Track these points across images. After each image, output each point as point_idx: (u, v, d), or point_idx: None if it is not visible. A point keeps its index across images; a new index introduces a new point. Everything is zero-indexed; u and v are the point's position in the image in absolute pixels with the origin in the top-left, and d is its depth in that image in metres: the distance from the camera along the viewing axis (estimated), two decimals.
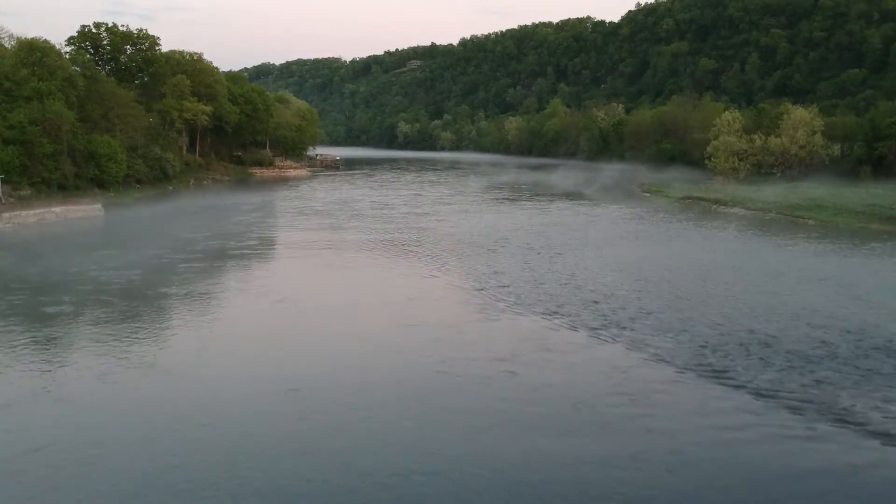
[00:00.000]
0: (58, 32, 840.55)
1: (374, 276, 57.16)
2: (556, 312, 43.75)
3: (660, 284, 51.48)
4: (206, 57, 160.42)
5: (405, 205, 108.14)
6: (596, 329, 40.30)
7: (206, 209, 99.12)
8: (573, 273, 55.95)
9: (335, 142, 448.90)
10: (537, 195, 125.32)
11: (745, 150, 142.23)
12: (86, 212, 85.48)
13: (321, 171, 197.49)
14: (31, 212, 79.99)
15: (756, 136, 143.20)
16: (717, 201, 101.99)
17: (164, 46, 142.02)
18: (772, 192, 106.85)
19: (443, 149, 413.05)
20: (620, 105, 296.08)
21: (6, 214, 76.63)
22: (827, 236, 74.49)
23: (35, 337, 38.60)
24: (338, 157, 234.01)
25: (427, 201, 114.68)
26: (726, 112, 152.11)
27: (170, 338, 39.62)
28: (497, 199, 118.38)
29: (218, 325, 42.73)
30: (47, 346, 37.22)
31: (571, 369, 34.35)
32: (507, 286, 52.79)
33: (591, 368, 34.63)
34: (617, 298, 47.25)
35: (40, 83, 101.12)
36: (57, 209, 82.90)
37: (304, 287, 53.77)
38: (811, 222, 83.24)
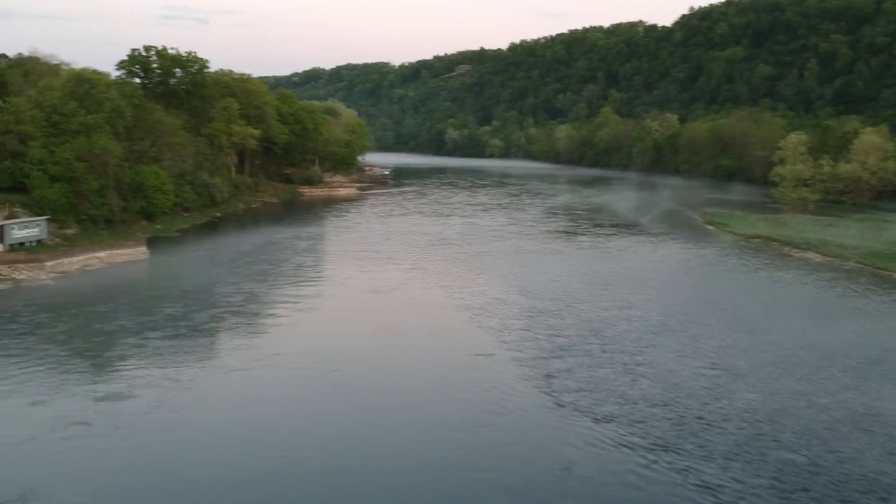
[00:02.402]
0: (116, 38, 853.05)
1: (432, 346, 53.31)
2: (644, 433, 38.88)
3: (794, 399, 43.51)
4: (258, 61, 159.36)
5: (460, 239, 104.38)
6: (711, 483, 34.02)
7: (249, 251, 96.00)
8: (653, 362, 50.80)
9: (383, 147, 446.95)
10: (595, 225, 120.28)
11: (813, 177, 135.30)
12: (130, 256, 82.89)
13: (370, 188, 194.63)
14: (75, 258, 77.53)
15: (824, 162, 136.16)
16: (789, 243, 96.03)
17: (217, 50, 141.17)
18: (846, 232, 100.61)
19: (491, 156, 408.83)
20: (675, 116, 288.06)
21: (49, 263, 74.15)
22: None
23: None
24: (386, 171, 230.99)
25: (482, 233, 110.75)
26: (792, 135, 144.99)
27: None
28: (554, 232, 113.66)
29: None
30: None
31: None
32: (570, 370, 48.77)
33: None
34: (735, 418, 40.62)
35: (88, 116, 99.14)
36: (101, 254, 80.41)
37: (365, 363, 50.11)
38: None
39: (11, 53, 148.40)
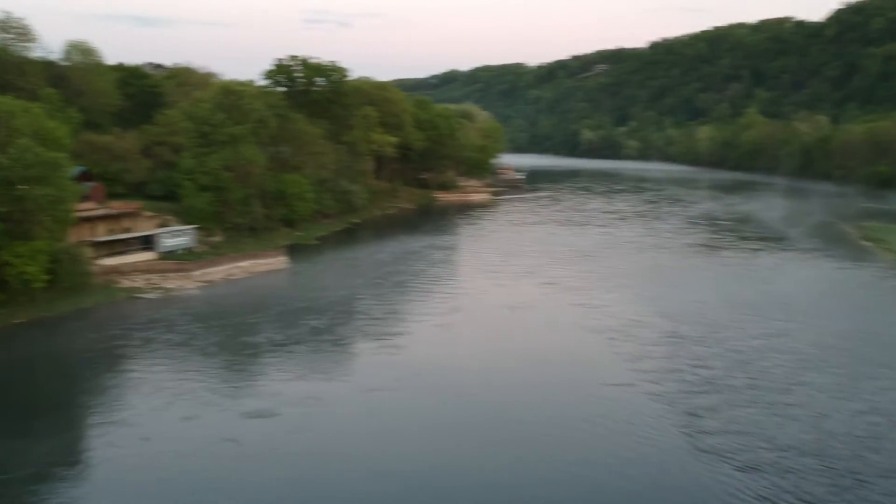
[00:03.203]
0: (265, 41, 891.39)
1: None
2: (793, 486, 35.95)
3: None
4: (397, 64, 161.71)
5: (596, 251, 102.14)
6: None
7: (387, 261, 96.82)
8: (805, 403, 47.25)
9: (518, 149, 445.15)
10: (740, 238, 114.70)
11: None
12: (271, 265, 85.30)
13: (504, 193, 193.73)
14: (219, 268, 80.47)
15: None
16: None
17: (358, 53, 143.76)
18: None
19: (627, 157, 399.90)
20: (826, 118, 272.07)
21: (196, 272, 77.25)
22: None
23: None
24: (520, 175, 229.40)
25: (619, 245, 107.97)
26: None
27: None
28: (695, 245, 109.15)
29: None
30: None
31: None
32: (713, 408, 46.06)
33: None
34: (894, 475, 37.22)
35: (235, 127, 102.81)
36: (243, 263, 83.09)
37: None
38: None
39: (170, 62, 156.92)
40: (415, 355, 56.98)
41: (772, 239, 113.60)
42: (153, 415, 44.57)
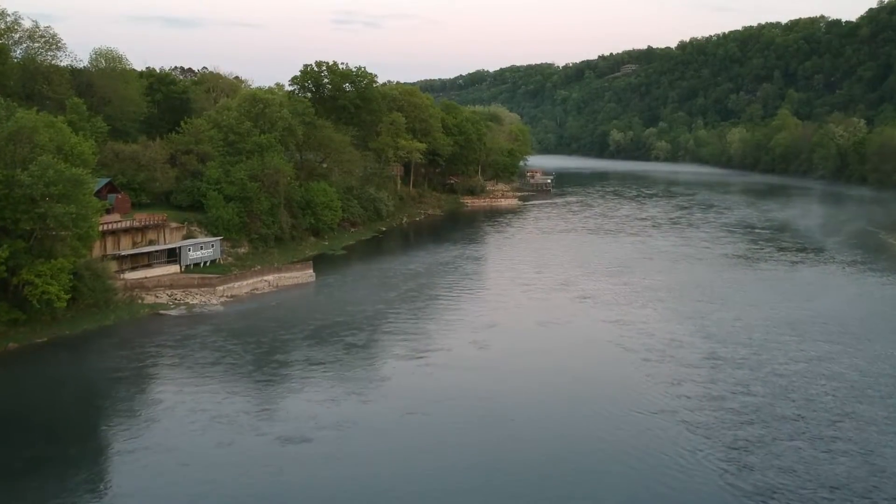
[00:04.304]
0: (294, 41, 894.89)
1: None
2: None
3: None
4: (425, 64, 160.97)
5: (629, 262, 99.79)
6: None
7: (418, 273, 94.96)
8: (855, 437, 44.69)
9: (545, 149, 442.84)
10: (778, 250, 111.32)
11: None
12: (297, 278, 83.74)
13: (532, 197, 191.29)
14: (245, 282, 79.03)
15: None
16: None
17: (386, 54, 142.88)
18: None
19: (656, 159, 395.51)
20: (862, 121, 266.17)
21: (220, 287, 75.80)
22: None
23: None
24: (549, 178, 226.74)
25: (652, 255, 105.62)
26: None
27: None
28: (731, 256, 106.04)
29: None
30: None
31: None
32: (757, 441, 43.59)
33: None
34: None
35: (262, 136, 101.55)
36: (269, 277, 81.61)
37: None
38: None
39: (198, 64, 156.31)
40: (451, 376, 55.49)
41: (811, 250, 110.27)
42: (189, 439, 43.91)
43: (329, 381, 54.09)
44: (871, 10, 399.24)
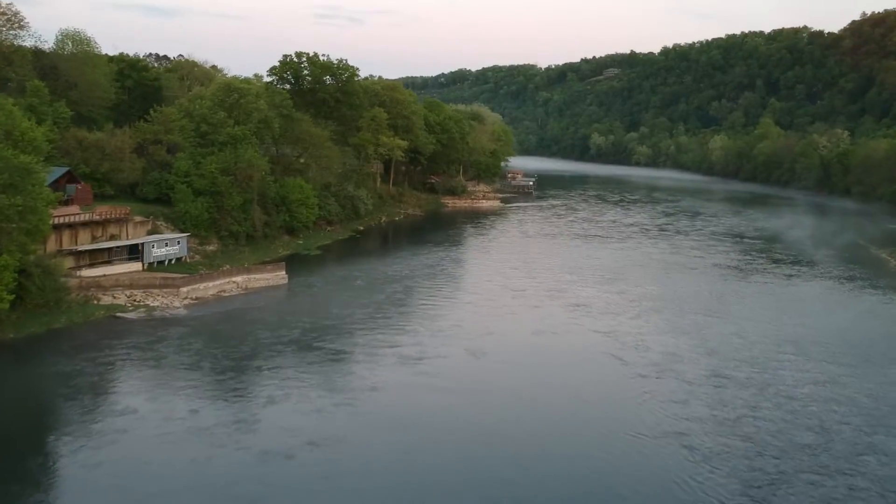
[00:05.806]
0: (275, 35, 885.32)
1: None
2: None
3: None
4: (407, 62, 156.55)
5: (620, 269, 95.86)
6: None
7: (402, 276, 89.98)
8: (876, 472, 40.88)
9: (526, 151, 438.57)
10: (771, 262, 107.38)
11: None
12: (269, 280, 78.35)
13: (514, 199, 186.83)
14: (211, 283, 73.52)
15: None
16: None
17: (369, 50, 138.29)
18: None
19: (637, 164, 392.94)
20: (846, 132, 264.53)
21: (184, 289, 70.24)
22: None
23: None
24: (530, 181, 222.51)
25: (643, 263, 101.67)
26: None
27: None
28: (724, 267, 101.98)
29: None
30: None
31: None
32: (778, 476, 39.50)
33: None
34: None
35: (236, 127, 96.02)
36: (238, 279, 76.18)
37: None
38: None
39: (175, 54, 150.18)
40: (445, 394, 51.08)
41: (804, 263, 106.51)
42: (164, 456, 40.29)
43: (313, 390, 50.22)
44: (853, 22, 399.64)
